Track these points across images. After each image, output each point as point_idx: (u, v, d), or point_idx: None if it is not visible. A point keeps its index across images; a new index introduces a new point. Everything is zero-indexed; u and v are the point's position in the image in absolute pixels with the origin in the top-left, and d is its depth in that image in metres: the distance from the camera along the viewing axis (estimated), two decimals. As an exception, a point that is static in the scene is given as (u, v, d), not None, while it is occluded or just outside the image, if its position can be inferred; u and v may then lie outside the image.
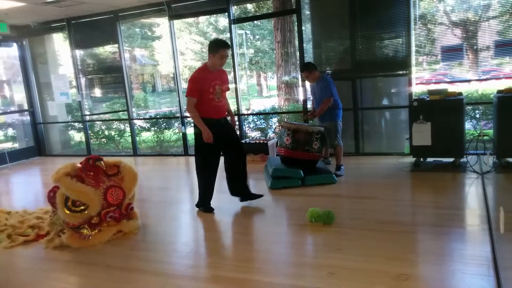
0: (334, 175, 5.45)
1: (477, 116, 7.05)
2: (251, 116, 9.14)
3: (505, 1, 5.91)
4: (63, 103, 9.46)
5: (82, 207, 3.89)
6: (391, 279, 2.84)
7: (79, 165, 4.10)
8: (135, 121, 9.22)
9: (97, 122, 9.95)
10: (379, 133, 6.98)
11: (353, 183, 5.47)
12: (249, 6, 12.24)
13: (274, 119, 9.05)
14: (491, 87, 6.51)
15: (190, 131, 9.06)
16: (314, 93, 5.94)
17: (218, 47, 4.28)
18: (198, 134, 4.43)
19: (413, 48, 6.27)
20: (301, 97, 7.49)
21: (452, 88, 6.00)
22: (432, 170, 5.64)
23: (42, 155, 9.57)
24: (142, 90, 19.21)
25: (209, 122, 4.35)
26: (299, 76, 7.23)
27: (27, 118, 9.68)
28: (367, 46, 6.53)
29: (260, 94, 20.94)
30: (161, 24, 15.16)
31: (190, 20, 16.32)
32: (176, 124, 9.35)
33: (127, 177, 4.22)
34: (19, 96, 9.90)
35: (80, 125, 9.55)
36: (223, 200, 5.10)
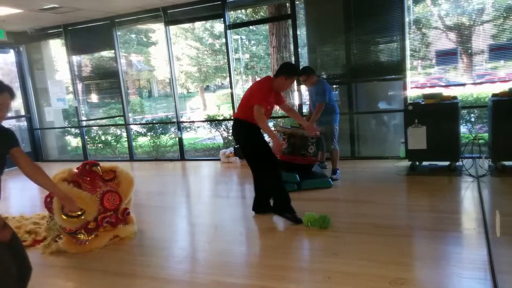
0: (330, 179, 5.46)
1: (472, 119, 7.09)
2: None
3: (499, 5, 5.97)
4: (60, 108, 9.45)
5: (79, 213, 3.88)
6: (388, 283, 2.85)
7: (75, 170, 4.10)
8: (132, 126, 9.21)
9: (94, 128, 9.95)
10: (375, 137, 7.00)
11: (349, 187, 5.49)
12: (245, 12, 12.31)
13: (270, 124, 9.05)
14: (486, 91, 6.55)
15: (186, 136, 9.09)
16: (311, 97, 5.95)
17: (294, 74, 4.30)
18: (250, 137, 4.28)
19: (408, 53, 6.31)
20: (296, 101, 7.51)
21: (447, 92, 6.04)
22: (428, 174, 5.66)
23: (39, 160, 9.54)
24: (138, 96, 19.22)
25: (256, 129, 4.25)
26: (295, 81, 7.24)
27: (24, 123, 9.67)
28: (362, 50, 6.57)
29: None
30: (157, 29, 15.20)
31: (186, 25, 16.35)
32: (172, 129, 9.35)
33: (124, 182, 4.22)
34: (16, 102, 9.85)
35: (77, 131, 9.54)
36: (219, 205, 5.11)
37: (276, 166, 4.29)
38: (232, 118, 7.67)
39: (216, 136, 9.86)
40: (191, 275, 3.36)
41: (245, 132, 4.28)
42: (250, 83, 21.03)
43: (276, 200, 4.39)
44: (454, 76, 6.59)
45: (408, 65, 6.33)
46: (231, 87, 7.75)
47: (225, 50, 7.60)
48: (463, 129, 6.48)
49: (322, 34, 6.88)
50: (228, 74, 7.64)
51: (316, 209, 4.21)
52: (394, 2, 6.21)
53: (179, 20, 8.26)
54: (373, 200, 4.75)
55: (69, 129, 10.10)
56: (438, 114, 5.49)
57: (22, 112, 9.53)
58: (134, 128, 9.64)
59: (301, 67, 6.09)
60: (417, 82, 6.69)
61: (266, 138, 4.55)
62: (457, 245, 3.50)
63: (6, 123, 8.80)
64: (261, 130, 4.28)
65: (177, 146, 8.65)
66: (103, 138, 10.06)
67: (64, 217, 3.86)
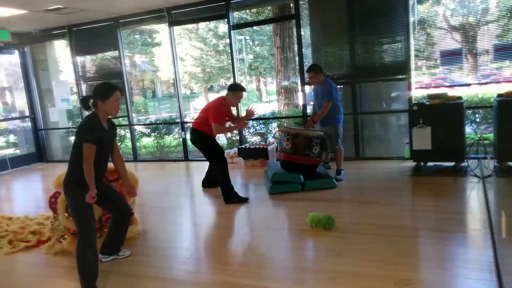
0: (334, 180, 5.44)
1: (477, 120, 7.06)
2: (250, 121, 9.15)
3: (503, 5, 5.94)
4: (64, 109, 9.48)
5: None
6: (393, 284, 2.84)
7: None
8: (135, 126, 9.23)
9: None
10: (379, 137, 6.98)
11: (353, 187, 5.47)
12: (249, 12, 12.31)
13: (274, 124, 9.06)
14: (491, 91, 6.52)
15: (189, 136, 9.09)
16: (316, 96, 5.93)
17: (239, 90, 5.28)
18: (206, 143, 5.40)
19: (412, 53, 6.28)
20: (300, 101, 7.50)
21: (451, 92, 6.01)
22: (433, 175, 5.64)
23: (43, 161, 9.58)
24: (142, 96, 19.29)
25: (210, 136, 5.35)
26: (299, 81, 7.24)
27: (28, 124, 9.70)
28: (366, 50, 6.55)
29: (259, 99, 21.02)
30: (161, 30, 15.24)
31: (190, 26, 16.39)
32: (176, 130, 9.37)
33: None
34: (21, 102, 9.93)
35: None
36: (223, 205, 5.10)
37: (225, 162, 5.35)
38: (235, 118, 7.70)
39: (220, 137, 9.85)
40: (194, 275, 3.36)
41: (202, 141, 5.35)
42: (254, 84, 21.06)
43: (223, 191, 5.25)
44: (459, 76, 6.56)
45: (412, 65, 6.30)
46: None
47: (229, 51, 7.60)
48: (468, 129, 6.45)
49: (326, 34, 6.86)
50: (232, 75, 7.64)
51: (320, 210, 4.20)
52: (398, 2, 6.19)
53: (183, 21, 8.26)
54: (378, 201, 4.74)
55: (73, 129, 10.12)
56: (443, 114, 5.46)
57: (27, 113, 9.56)
58: (138, 128, 9.65)
59: (310, 64, 6.08)
60: (422, 83, 6.66)
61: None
62: (463, 246, 3.48)
63: (10, 124, 8.79)
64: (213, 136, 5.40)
65: (181, 147, 8.66)
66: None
67: (69, 217, 3.86)
